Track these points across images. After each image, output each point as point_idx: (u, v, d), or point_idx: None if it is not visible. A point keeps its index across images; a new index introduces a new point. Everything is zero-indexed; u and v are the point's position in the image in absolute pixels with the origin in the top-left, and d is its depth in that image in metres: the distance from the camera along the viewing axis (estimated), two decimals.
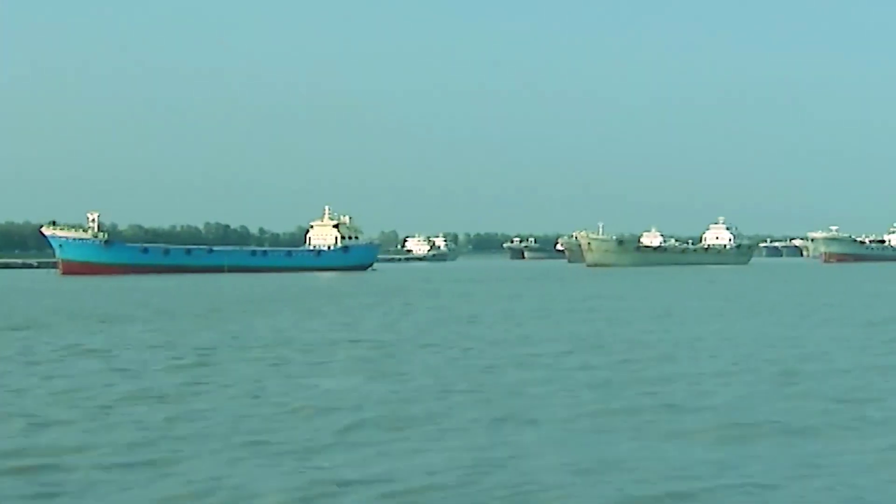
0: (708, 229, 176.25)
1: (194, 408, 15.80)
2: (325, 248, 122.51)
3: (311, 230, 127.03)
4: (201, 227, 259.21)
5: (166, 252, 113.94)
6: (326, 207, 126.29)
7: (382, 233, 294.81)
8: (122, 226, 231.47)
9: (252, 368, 20.89)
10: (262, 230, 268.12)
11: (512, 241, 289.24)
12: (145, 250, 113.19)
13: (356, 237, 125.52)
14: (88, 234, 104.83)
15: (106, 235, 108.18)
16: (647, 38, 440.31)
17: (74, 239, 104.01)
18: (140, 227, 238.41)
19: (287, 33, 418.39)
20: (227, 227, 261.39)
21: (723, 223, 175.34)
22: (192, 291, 61.66)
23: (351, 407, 15.81)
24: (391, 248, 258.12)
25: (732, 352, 23.69)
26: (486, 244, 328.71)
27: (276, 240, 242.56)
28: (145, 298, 52.20)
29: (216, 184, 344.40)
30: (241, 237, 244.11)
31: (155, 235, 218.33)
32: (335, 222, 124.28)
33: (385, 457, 12.31)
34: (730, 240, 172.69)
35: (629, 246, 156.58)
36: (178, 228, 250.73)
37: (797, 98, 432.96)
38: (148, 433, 13.74)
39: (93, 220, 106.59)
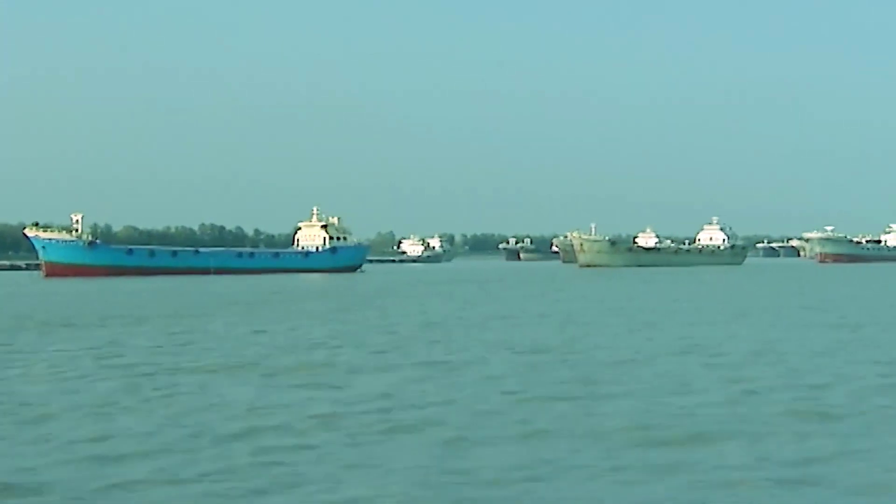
0: (702, 230, 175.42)
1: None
2: (313, 250, 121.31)
3: (299, 231, 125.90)
4: (196, 228, 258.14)
5: (151, 254, 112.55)
6: (315, 208, 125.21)
7: (379, 234, 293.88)
8: (117, 227, 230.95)
9: (173, 382, 19.67)
10: (257, 231, 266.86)
11: (507, 242, 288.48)
12: (130, 252, 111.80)
13: (344, 238, 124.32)
14: (72, 236, 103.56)
15: (89, 236, 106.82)
16: (647, 38, 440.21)
17: (57, 240, 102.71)
18: (134, 228, 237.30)
19: (287, 33, 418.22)
20: (223, 228, 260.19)
21: (717, 223, 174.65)
22: (169, 294, 60.39)
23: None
24: (386, 250, 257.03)
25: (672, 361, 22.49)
26: (482, 245, 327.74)
27: (271, 241, 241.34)
28: (117, 301, 51.00)
29: (213, 185, 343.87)
30: (237, 238, 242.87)
31: (149, 237, 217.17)
32: (323, 223, 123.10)
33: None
34: (724, 240, 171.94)
35: (621, 247, 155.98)
36: (173, 230, 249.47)
37: (796, 98, 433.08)
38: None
39: (77, 220, 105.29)
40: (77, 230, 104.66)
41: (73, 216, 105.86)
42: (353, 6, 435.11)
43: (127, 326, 33.68)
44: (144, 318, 38.04)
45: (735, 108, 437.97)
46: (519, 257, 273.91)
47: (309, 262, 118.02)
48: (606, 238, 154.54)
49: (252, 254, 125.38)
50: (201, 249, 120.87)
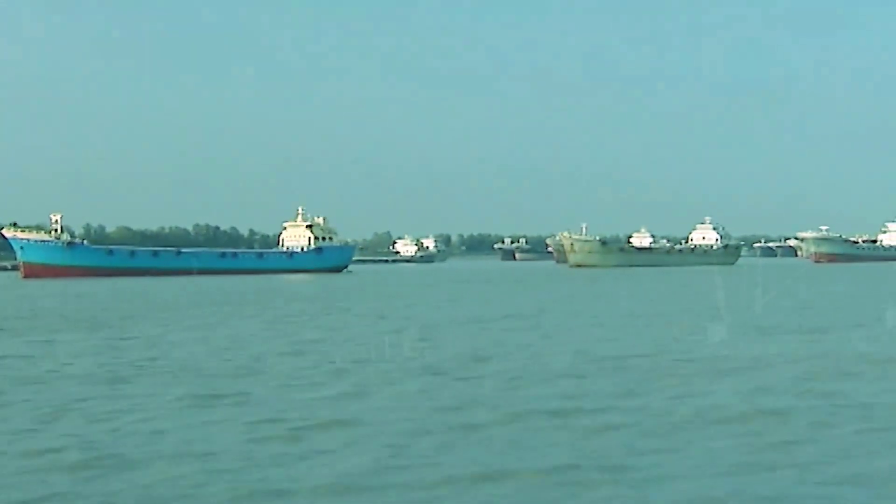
0: (694, 229, 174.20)
1: None
2: (298, 250, 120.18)
3: (284, 231, 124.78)
4: (190, 228, 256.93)
5: (132, 254, 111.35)
6: (300, 208, 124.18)
7: (376, 234, 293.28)
8: (111, 227, 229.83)
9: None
10: (252, 231, 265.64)
11: (503, 242, 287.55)
12: (110, 252, 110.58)
13: (330, 238, 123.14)
14: (50, 236, 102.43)
15: (68, 237, 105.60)
16: (647, 37, 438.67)
17: (35, 241, 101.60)
18: (128, 228, 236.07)
19: (287, 34, 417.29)
20: (217, 228, 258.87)
21: (709, 223, 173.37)
22: (138, 295, 59.24)
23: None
24: (382, 250, 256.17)
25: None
26: (479, 245, 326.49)
27: (266, 241, 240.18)
28: (80, 303, 49.95)
29: (209, 185, 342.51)
30: (231, 238, 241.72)
31: (143, 237, 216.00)
32: (308, 223, 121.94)
33: None
34: (716, 240, 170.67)
35: (613, 246, 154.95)
36: (167, 230, 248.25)
37: (796, 98, 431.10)
38: None
39: (55, 220, 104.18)
40: (56, 230, 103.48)
41: (52, 216, 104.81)
42: (354, 6, 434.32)
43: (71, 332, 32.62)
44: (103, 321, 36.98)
45: (734, 108, 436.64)
46: (514, 257, 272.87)
47: (293, 263, 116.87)
48: (597, 238, 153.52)
49: (235, 254, 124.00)
50: (183, 250, 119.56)
